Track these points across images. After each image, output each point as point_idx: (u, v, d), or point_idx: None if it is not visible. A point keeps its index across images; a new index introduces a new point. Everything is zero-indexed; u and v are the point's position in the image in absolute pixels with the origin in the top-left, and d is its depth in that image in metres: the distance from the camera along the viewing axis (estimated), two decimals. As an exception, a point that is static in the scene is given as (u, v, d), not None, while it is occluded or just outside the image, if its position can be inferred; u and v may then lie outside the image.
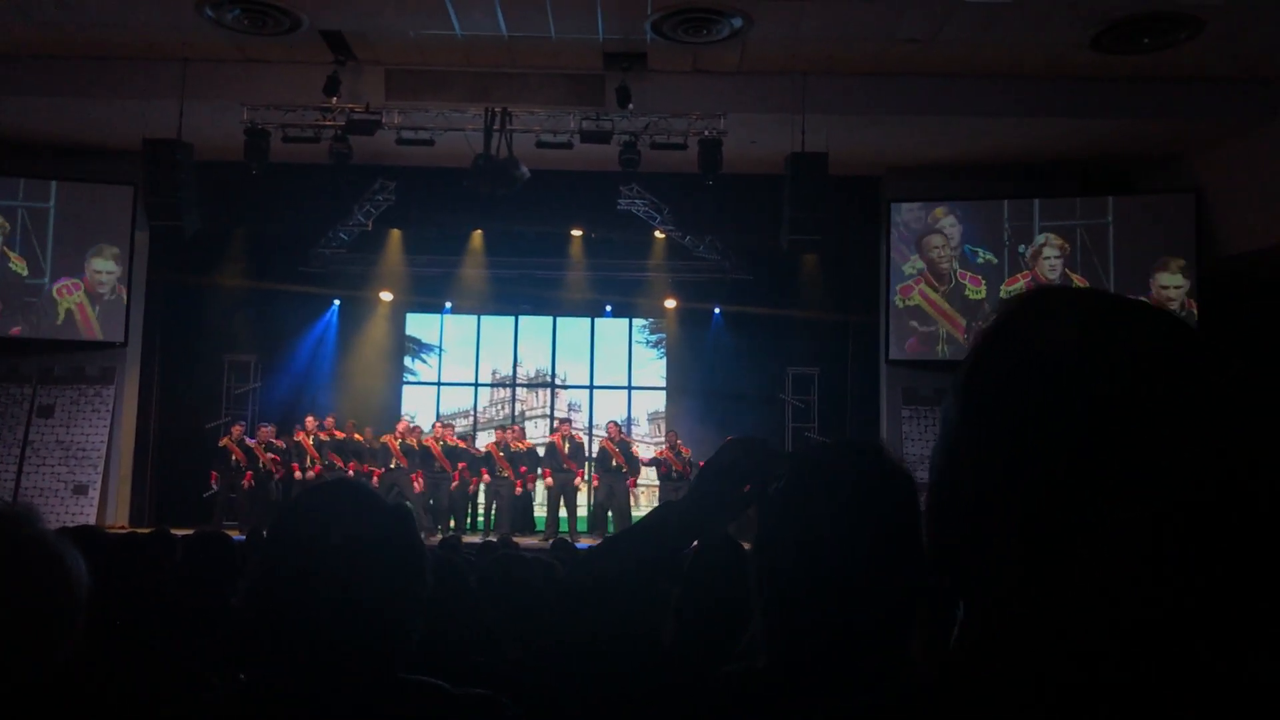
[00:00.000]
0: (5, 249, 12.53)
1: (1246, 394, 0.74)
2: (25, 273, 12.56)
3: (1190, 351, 0.75)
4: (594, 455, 13.81)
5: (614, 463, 13.20)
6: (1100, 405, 0.72)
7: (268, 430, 13.17)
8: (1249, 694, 0.69)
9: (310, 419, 13.51)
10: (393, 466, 13.07)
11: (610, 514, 13.18)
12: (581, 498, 13.94)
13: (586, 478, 13.72)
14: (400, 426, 13.48)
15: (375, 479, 12.81)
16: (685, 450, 13.29)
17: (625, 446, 13.43)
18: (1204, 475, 0.71)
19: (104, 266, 12.65)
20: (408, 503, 12.46)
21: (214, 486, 13.13)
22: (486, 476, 13.38)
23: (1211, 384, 0.74)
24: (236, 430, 13.20)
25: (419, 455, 13.17)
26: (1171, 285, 11.88)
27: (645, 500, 15.67)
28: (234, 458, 12.91)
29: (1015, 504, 0.74)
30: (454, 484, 13.19)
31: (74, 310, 12.61)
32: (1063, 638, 0.72)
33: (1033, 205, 12.51)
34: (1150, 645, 0.70)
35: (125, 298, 12.69)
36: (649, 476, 14.64)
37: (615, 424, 13.89)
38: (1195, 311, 11.52)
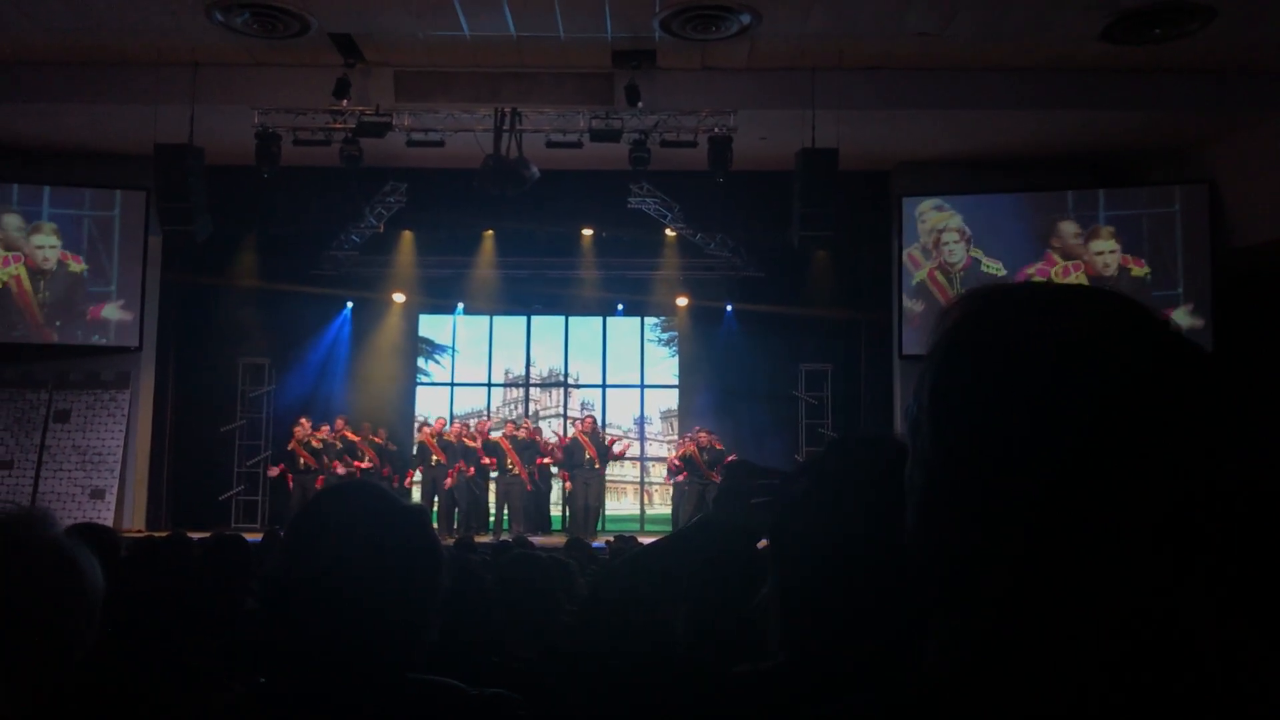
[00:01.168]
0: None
1: (1233, 386, 0.73)
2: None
3: (1166, 346, 0.74)
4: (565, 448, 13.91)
5: (586, 455, 13.26)
6: (1092, 409, 0.71)
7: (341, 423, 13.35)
8: (1249, 695, 0.69)
9: (340, 420, 13.66)
10: (433, 463, 13.20)
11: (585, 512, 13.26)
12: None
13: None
14: (441, 426, 13.79)
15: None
16: (719, 445, 13.26)
17: (596, 437, 13.52)
18: (1205, 473, 0.71)
19: (45, 241, 12.70)
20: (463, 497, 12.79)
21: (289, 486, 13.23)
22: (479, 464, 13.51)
23: (1196, 378, 0.73)
24: (299, 431, 13.18)
25: (459, 451, 13.32)
26: (1106, 250, 12.23)
27: (659, 498, 15.67)
28: (302, 460, 12.95)
29: (1013, 516, 0.73)
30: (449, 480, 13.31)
31: (10, 283, 12.64)
32: (1073, 643, 0.71)
33: (1097, 195, 12.42)
34: (1154, 647, 0.70)
35: (79, 267, 12.77)
36: (662, 473, 14.65)
37: (592, 418, 13.99)
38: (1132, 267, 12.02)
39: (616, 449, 13.97)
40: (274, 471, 13.47)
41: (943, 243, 12.72)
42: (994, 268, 12.56)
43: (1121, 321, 0.75)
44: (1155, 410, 0.71)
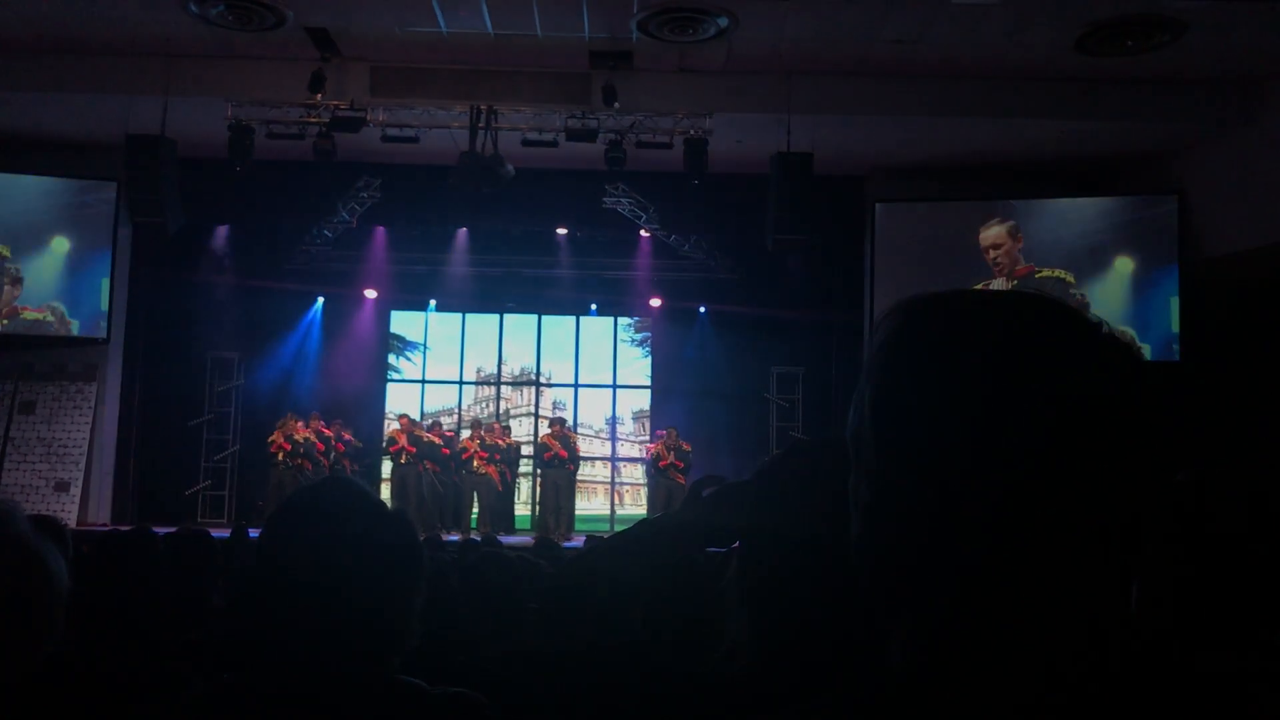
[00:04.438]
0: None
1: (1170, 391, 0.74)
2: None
3: (1101, 346, 0.76)
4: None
5: (558, 458, 13.28)
6: (1030, 412, 0.72)
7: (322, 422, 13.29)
8: (1198, 691, 0.70)
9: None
10: (403, 461, 13.16)
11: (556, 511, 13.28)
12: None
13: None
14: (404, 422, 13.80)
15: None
16: (686, 445, 13.32)
17: (567, 441, 13.53)
18: (1147, 474, 0.72)
19: None
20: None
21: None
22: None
23: (1134, 380, 0.75)
24: (300, 427, 13.10)
25: (427, 448, 13.30)
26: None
27: (630, 498, 15.67)
28: (280, 456, 12.88)
29: (959, 522, 0.73)
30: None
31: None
32: (1024, 645, 0.72)
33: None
34: (1102, 647, 0.71)
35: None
36: (635, 474, 14.66)
37: (561, 419, 14.03)
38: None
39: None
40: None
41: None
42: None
43: (1054, 323, 0.77)
44: (1095, 412, 0.72)
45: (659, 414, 15.28)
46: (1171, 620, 0.72)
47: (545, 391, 16.19)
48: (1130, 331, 11.74)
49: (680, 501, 1.48)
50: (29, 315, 12.54)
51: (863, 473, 0.80)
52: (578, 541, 11.53)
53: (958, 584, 0.74)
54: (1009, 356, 0.74)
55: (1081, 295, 12.10)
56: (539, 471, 13.77)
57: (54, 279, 12.60)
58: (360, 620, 1.43)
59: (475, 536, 11.35)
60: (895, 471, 0.77)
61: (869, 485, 0.79)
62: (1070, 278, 12.30)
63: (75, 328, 12.64)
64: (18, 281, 12.50)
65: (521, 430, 15.52)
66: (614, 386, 16.04)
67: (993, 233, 12.59)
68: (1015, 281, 12.41)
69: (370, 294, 15.23)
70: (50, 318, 12.56)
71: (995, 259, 12.53)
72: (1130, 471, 0.72)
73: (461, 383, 16.10)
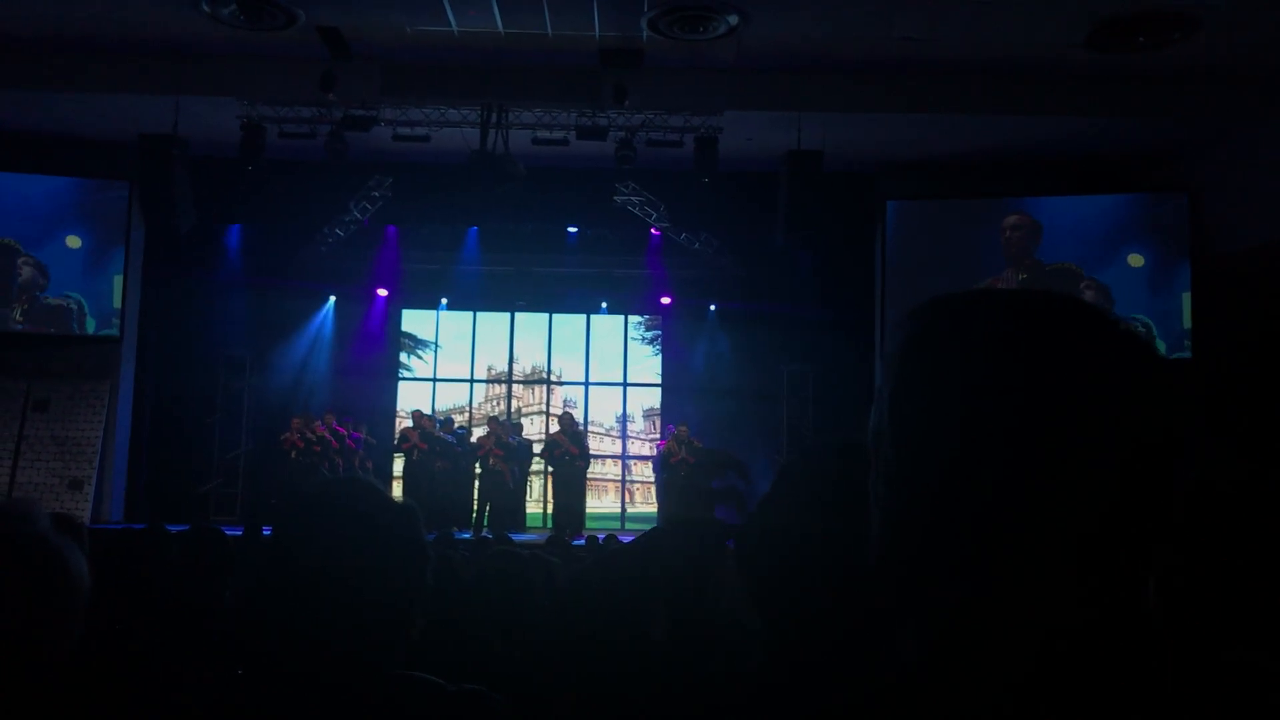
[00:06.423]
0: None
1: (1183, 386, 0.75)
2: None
3: (1120, 347, 0.76)
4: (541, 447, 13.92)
5: (566, 456, 13.30)
6: (1047, 412, 0.73)
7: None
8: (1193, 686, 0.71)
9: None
10: (415, 457, 13.20)
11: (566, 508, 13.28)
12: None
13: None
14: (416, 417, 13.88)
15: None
16: (697, 442, 13.30)
17: (579, 438, 13.53)
18: (1164, 473, 0.72)
19: None
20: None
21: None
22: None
23: (1152, 380, 0.75)
24: (315, 425, 13.20)
25: (440, 445, 13.35)
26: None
27: (640, 497, 15.67)
28: (294, 454, 12.97)
29: (976, 519, 0.74)
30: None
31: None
32: (1048, 641, 0.73)
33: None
34: (1106, 650, 0.72)
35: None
36: (646, 472, 14.65)
37: (568, 414, 14.03)
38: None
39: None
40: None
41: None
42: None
43: (1072, 323, 0.77)
44: (1114, 411, 0.73)
45: (669, 412, 15.27)
46: (1186, 616, 0.72)
47: (556, 389, 16.20)
48: (1148, 322, 11.74)
49: (692, 493, 1.48)
50: (50, 300, 12.64)
51: (882, 472, 0.81)
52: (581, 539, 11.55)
53: (974, 581, 0.74)
54: (1027, 357, 0.75)
55: (1091, 284, 12.08)
56: (550, 469, 13.77)
57: (71, 275, 12.68)
58: (366, 614, 1.45)
59: (487, 533, 11.37)
60: (914, 470, 0.77)
61: (888, 484, 0.80)
62: (1079, 270, 12.30)
63: (91, 325, 12.72)
64: (41, 271, 12.60)
65: (533, 428, 15.53)
66: (624, 384, 16.04)
67: (1014, 218, 12.63)
68: (1023, 276, 12.41)
69: (382, 292, 15.26)
70: (71, 304, 12.65)
71: (1013, 241, 12.57)
72: (1148, 469, 0.72)
73: (473, 381, 16.13)
